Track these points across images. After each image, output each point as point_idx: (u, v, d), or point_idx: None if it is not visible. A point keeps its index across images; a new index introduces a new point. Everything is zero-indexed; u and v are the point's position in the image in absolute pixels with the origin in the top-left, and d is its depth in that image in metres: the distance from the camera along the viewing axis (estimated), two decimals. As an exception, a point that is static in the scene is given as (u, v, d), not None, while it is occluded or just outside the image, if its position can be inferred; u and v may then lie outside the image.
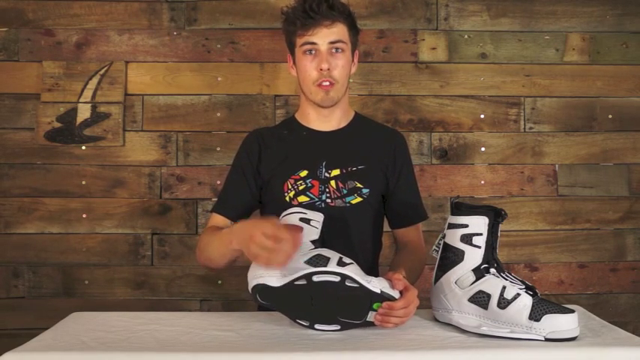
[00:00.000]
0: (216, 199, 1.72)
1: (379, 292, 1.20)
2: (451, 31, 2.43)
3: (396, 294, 1.23)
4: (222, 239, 1.39)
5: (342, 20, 1.57)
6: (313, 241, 1.29)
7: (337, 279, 1.18)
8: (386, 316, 1.23)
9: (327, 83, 1.57)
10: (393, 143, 1.70)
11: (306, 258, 1.23)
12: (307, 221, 1.33)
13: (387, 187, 1.66)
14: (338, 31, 1.56)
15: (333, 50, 1.56)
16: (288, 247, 1.17)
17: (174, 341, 1.20)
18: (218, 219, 1.63)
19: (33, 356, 1.11)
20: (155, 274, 2.36)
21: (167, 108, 2.38)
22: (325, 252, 1.25)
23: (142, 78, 2.39)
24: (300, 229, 1.24)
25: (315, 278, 1.19)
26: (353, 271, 1.20)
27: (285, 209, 1.41)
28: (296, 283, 1.20)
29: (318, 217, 1.36)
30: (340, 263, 1.21)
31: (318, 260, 1.22)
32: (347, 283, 1.19)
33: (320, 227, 1.34)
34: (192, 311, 2.21)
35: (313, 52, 1.57)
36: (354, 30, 1.62)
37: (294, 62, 1.64)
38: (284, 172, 1.61)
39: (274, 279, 1.22)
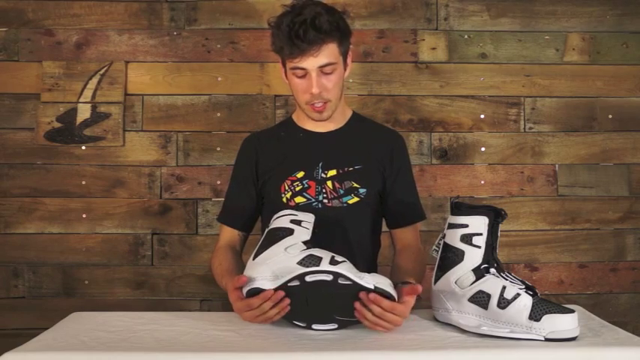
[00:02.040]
0: (218, 199, 1.73)
1: (372, 287, 1.20)
2: (451, 31, 2.42)
3: (391, 290, 1.22)
4: (223, 286, 1.49)
5: (331, 39, 1.49)
6: (305, 242, 1.28)
7: (330, 277, 1.18)
8: (363, 310, 1.22)
9: (320, 105, 1.55)
10: (391, 143, 1.69)
11: (299, 259, 1.22)
12: (298, 223, 1.33)
13: (385, 186, 1.65)
14: (327, 53, 1.49)
15: (323, 72, 1.52)
16: (267, 305, 1.22)
17: (174, 341, 1.20)
18: (226, 230, 1.68)
19: (33, 356, 1.11)
20: (155, 274, 2.36)
21: (167, 108, 2.38)
22: (317, 252, 1.24)
23: (142, 78, 2.38)
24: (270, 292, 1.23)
25: (308, 278, 1.18)
26: (345, 268, 1.19)
27: (282, 210, 1.41)
28: (289, 284, 1.19)
29: (309, 218, 1.36)
30: (332, 262, 1.21)
31: (311, 260, 1.21)
32: (340, 281, 1.18)
33: (311, 228, 1.33)
34: (192, 311, 2.21)
35: (303, 75, 1.52)
36: (345, 41, 1.55)
37: (285, 73, 1.59)
38: (281, 174, 1.62)
39: (267, 282, 1.22)
